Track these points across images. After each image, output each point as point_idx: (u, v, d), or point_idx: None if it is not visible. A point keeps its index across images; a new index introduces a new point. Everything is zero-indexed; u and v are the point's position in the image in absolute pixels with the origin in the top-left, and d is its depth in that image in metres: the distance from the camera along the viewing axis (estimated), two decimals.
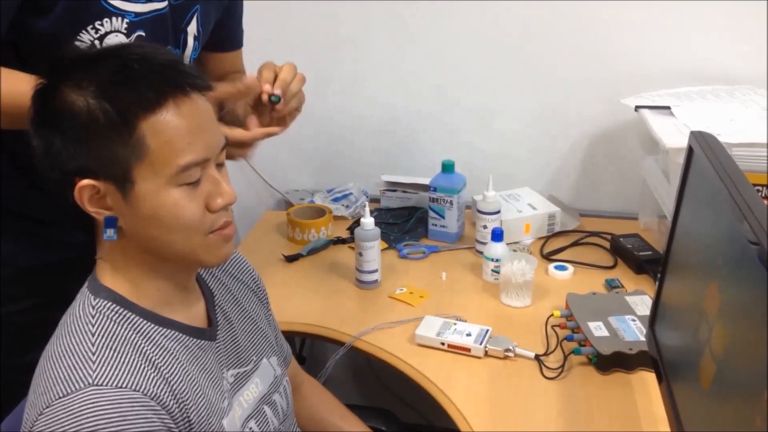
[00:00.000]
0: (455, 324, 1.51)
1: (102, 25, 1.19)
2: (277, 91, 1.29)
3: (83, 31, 1.18)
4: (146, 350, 0.95)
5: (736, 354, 0.82)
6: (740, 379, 0.80)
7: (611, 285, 1.68)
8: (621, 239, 1.83)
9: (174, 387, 0.94)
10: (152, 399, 0.90)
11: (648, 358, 1.30)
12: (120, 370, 0.90)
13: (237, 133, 1.28)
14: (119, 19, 1.21)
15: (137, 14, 1.23)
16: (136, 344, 0.94)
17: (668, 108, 1.73)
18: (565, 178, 2.11)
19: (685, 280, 1.11)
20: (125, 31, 1.22)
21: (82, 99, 0.90)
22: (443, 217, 1.91)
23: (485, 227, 1.79)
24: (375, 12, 2.03)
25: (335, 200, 2.09)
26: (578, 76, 1.99)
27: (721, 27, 1.88)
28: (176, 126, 0.91)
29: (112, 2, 1.20)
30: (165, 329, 0.99)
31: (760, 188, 1.50)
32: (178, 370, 0.96)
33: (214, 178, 0.97)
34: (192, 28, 1.34)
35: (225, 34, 1.50)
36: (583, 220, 1.99)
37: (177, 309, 1.02)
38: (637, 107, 1.77)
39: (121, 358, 0.92)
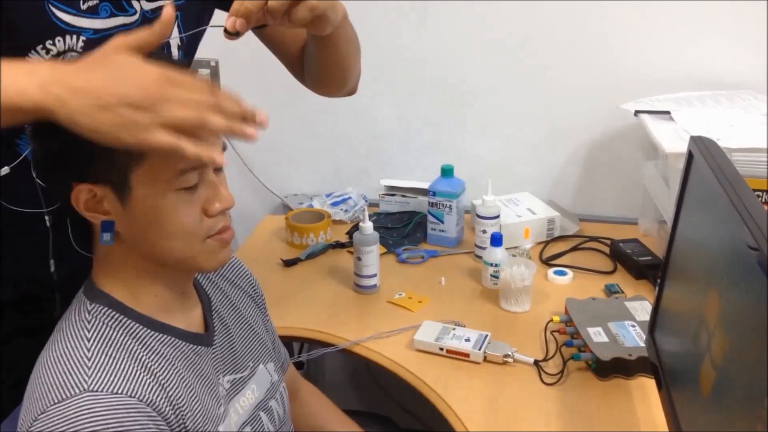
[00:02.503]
0: (454, 329, 1.50)
1: (54, 44, 1.04)
2: (231, 23, 0.99)
3: (32, 52, 1.03)
4: (142, 356, 0.94)
5: (737, 361, 0.82)
6: (741, 387, 0.79)
7: (611, 290, 1.67)
8: (621, 244, 1.82)
9: (170, 393, 0.93)
10: (148, 405, 0.90)
11: (648, 364, 1.29)
12: (116, 375, 0.90)
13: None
14: (74, 37, 1.05)
15: (96, 31, 1.07)
16: (132, 350, 0.94)
17: (668, 113, 1.73)
18: (565, 182, 2.10)
19: (685, 285, 1.10)
20: (81, 50, 1.06)
21: None
22: (442, 222, 1.90)
23: (484, 232, 1.79)
24: (374, 16, 2.03)
25: (334, 204, 2.09)
26: (578, 81, 1.99)
27: (721, 32, 1.88)
28: None
29: (63, 17, 1.03)
30: (161, 335, 0.98)
31: (760, 194, 1.50)
32: (174, 376, 0.95)
33: (212, 183, 0.96)
34: (174, 38, 1.21)
35: None
36: (583, 224, 1.98)
37: (174, 314, 1.02)
38: (637, 112, 1.77)
39: (116, 363, 0.91)
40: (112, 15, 1.09)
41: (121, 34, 0.86)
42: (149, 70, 0.83)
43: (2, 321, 1.25)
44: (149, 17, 1.14)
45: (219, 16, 1.31)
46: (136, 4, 1.13)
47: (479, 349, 1.44)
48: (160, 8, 1.15)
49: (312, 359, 1.84)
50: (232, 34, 1.00)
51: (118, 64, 0.84)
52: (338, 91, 1.39)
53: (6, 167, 1.12)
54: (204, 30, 1.26)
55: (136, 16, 1.13)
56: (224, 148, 1.00)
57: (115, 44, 0.86)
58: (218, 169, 0.99)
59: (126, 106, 0.81)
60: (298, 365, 1.74)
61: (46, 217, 1.13)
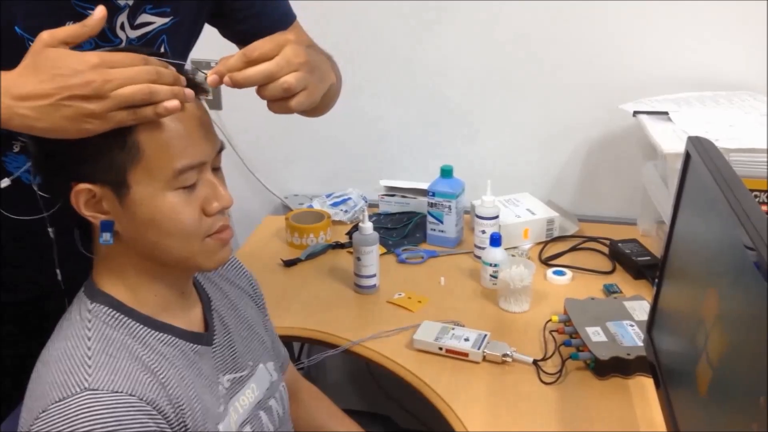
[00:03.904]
0: (453, 329, 1.50)
1: None
2: (214, 81, 0.95)
3: None
4: (142, 355, 0.95)
5: (733, 360, 0.82)
6: (737, 386, 0.80)
7: (609, 290, 1.68)
8: (619, 244, 1.83)
9: (170, 392, 0.94)
10: (148, 404, 0.90)
11: (646, 363, 1.29)
12: (116, 374, 0.90)
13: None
14: None
15: None
16: (132, 349, 0.94)
17: (666, 113, 1.73)
18: (564, 183, 2.10)
19: (683, 285, 1.11)
20: None
21: None
22: (442, 222, 1.90)
23: (484, 232, 1.79)
24: (375, 17, 2.03)
25: (334, 205, 2.09)
26: (577, 82, 1.99)
27: (720, 33, 1.88)
28: (171, 130, 0.92)
29: None
30: (161, 334, 0.99)
31: (758, 194, 1.50)
32: (174, 375, 0.96)
33: (211, 182, 0.97)
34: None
35: (253, 25, 1.31)
36: (582, 225, 1.98)
37: (174, 314, 1.02)
38: (636, 113, 1.77)
39: (117, 362, 0.92)
40: (97, 46, 1.09)
41: (47, 29, 0.88)
42: (83, 57, 0.85)
43: (3, 322, 1.25)
44: (137, 45, 1.14)
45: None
46: (121, 34, 1.13)
47: (478, 349, 1.44)
48: (146, 35, 1.16)
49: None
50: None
51: (52, 60, 0.85)
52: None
53: (6, 179, 1.12)
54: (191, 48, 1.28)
55: (122, 47, 1.13)
56: (222, 148, 1.00)
57: (42, 40, 0.87)
58: (217, 169, 0.99)
59: (75, 99, 0.84)
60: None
61: (50, 229, 1.13)
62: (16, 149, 1.15)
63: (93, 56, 0.86)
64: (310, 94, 0.99)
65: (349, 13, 2.04)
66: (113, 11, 1.09)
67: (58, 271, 1.17)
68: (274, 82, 0.94)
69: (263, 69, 0.93)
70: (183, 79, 0.93)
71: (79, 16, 1.03)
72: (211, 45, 1.35)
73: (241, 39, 1.33)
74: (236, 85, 0.93)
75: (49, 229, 1.12)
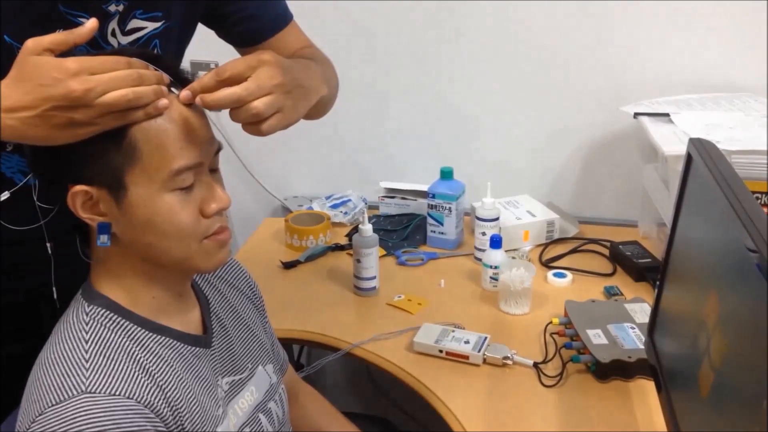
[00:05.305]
0: (453, 331, 1.50)
1: None
2: (186, 97, 0.93)
3: None
4: (140, 357, 0.94)
5: (735, 363, 0.82)
6: (739, 388, 0.79)
7: (610, 292, 1.67)
8: (620, 246, 1.82)
9: (168, 394, 0.93)
10: (146, 406, 0.90)
11: (647, 366, 1.29)
12: (113, 377, 0.90)
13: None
14: None
15: None
16: (129, 351, 0.94)
17: (667, 115, 1.73)
18: (565, 185, 2.10)
19: (684, 287, 1.10)
20: None
21: None
22: (442, 224, 1.90)
23: (484, 234, 1.79)
24: (375, 18, 2.03)
25: (334, 207, 2.09)
26: (578, 84, 1.99)
27: (721, 35, 1.88)
28: (168, 130, 0.91)
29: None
30: (159, 336, 0.98)
31: (759, 196, 1.49)
32: (173, 378, 0.95)
33: (208, 183, 0.96)
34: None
35: (249, 27, 1.30)
36: (583, 227, 1.98)
37: (172, 316, 1.02)
38: (636, 114, 1.77)
39: (114, 365, 0.91)
40: (89, 53, 1.06)
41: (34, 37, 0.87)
42: (62, 65, 0.84)
43: (2, 323, 1.25)
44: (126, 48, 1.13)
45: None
46: (112, 40, 1.12)
47: (479, 351, 1.44)
48: (138, 40, 1.15)
49: (312, 362, 1.84)
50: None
51: (34, 70, 0.85)
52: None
53: (6, 192, 1.12)
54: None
55: (111, 49, 1.11)
56: (220, 149, 1.00)
57: (27, 48, 0.86)
58: (214, 170, 0.99)
59: (59, 109, 0.84)
60: (297, 367, 1.74)
61: (48, 245, 1.13)
62: (9, 148, 1.14)
63: (73, 63, 0.84)
64: (284, 117, 0.98)
65: (349, 13, 2.04)
66: (104, 18, 1.09)
67: (54, 289, 1.16)
68: (243, 106, 0.93)
69: (231, 93, 0.92)
70: (166, 77, 0.92)
71: (70, 24, 1.03)
72: (211, 46, 1.35)
73: (238, 41, 1.33)
74: (206, 106, 0.92)
75: (48, 245, 1.12)
